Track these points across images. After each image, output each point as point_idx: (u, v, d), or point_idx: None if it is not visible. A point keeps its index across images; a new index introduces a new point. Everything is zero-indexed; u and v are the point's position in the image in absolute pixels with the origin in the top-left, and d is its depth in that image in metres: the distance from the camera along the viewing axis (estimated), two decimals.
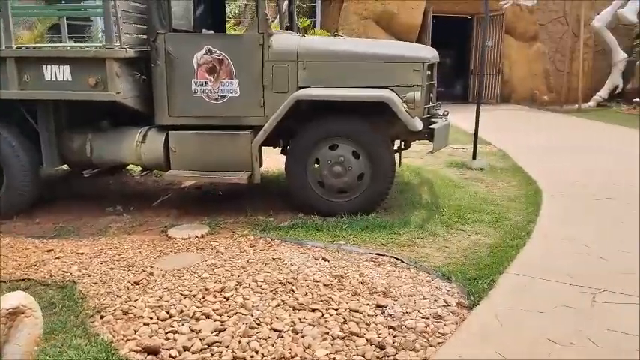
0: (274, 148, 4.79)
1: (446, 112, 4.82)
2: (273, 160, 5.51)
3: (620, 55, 13.56)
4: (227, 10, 10.46)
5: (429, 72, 4.48)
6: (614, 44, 13.57)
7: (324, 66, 4.28)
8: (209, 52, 4.23)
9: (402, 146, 4.89)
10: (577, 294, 2.93)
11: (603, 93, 13.85)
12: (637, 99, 13.07)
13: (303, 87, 4.23)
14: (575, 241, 3.79)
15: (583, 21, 13.28)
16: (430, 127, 4.40)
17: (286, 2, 5.51)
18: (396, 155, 4.60)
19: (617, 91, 13.89)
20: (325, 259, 3.46)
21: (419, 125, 4.16)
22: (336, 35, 4.89)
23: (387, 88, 4.20)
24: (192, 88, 4.29)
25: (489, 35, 14.00)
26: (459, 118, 11.71)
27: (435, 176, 5.96)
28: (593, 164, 6.49)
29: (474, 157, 6.67)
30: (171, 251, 3.72)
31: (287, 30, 5.39)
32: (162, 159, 4.38)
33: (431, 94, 4.68)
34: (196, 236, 3.95)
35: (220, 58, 4.24)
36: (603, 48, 14.17)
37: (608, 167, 6.30)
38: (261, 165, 4.44)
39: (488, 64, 14.22)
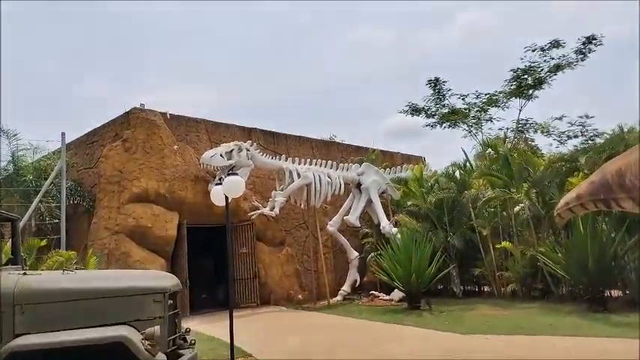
0: None
1: (192, 341, 4.66)
2: None
3: (354, 254, 15.81)
4: None
5: (171, 301, 4.38)
6: (347, 244, 15.87)
7: (50, 307, 3.83)
8: None
9: None
10: None
11: (346, 287, 15.60)
12: (373, 291, 15.05)
13: (21, 334, 3.64)
14: None
15: (319, 226, 15.39)
16: None
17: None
18: None
19: (356, 285, 15.80)
20: None
21: None
22: (65, 270, 4.49)
23: (125, 324, 3.91)
24: None
25: (243, 243, 14.99)
26: (219, 326, 11.61)
27: None
28: None
29: None
30: None
31: (9, 264, 4.79)
32: None
33: (176, 323, 4.51)
34: None
35: None
36: (340, 248, 16.41)
37: None
38: None
39: (244, 269, 14.94)
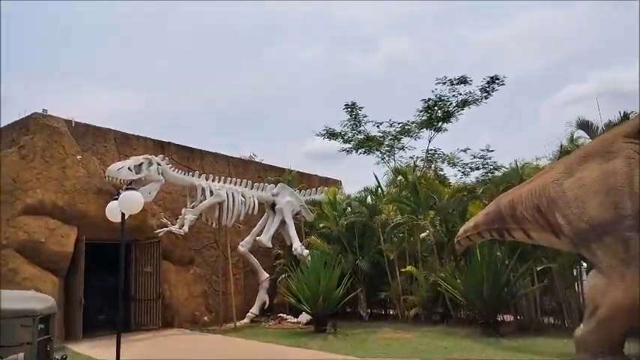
0: None
1: None
2: None
3: (264, 275, 15.62)
4: None
5: (42, 325, 4.04)
6: (258, 265, 15.66)
7: None
8: None
9: None
10: None
11: (255, 309, 15.34)
12: (281, 314, 14.93)
13: None
14: None
15: (229, 246, 15.09)
16: None
17: None
18: None
19: (265, 307, 15.58)
20: None
21: None
22: None
23: None
24: None
25: (148, 261, 14.34)
26: (113, 350, 10.95)
27: None
28: None
29: None
30: None
31: None
32: None
33: (47, 350, 4.16)
34: None
35: None
36: (251, 269, 16.15)
37: None
38: None
39: (148, 289, 14.26)
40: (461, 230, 10.83)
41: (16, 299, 4.33)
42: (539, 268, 11.70)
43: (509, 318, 13.01)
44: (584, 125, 10.59)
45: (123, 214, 6.28)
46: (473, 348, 9.80)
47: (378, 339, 11.43)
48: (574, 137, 11.41)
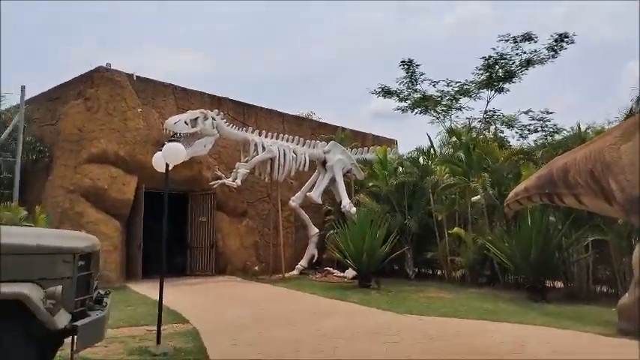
0: None
1: (105, 303, 4.73)
2: None
3: (314, 230, 15.97)
4: None
5: (83, 262, 4.42)
6: (308, 220, 16.01)
7: None
8: None
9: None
10: None
11: (304, 262, 15.81)
12: (328, 268, 15.30)
13: None
14: None
15: (281, 200, 15.49)
16: (75, 323, 4.18)
17: None
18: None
19: (314, 260, 16.01)
20: None
21: (59, 323, 3.94)
22: None
23: (30, 281, 3.95)
24: None
25: (202, 212, 15.03)
26: (169, 292, 11.71)
27: None
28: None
29: (158, 342, 6.55)
30: None
31: None
32: None
33: (89, 285, 4.57)
34: None
35: None
36: (302, 224, 16.55)
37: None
38: None
39: (203, 238, 15.02)
40: (511, 193, 10.54)
41: (61, 237, 4.74)
42: (591, 239, 11.17)
43: (559, 285, 12.66)
44: None
45: (167, 165, 6.60)
46: (515, 312, 9.66)
47: (419, 297, 11.50)
48: None
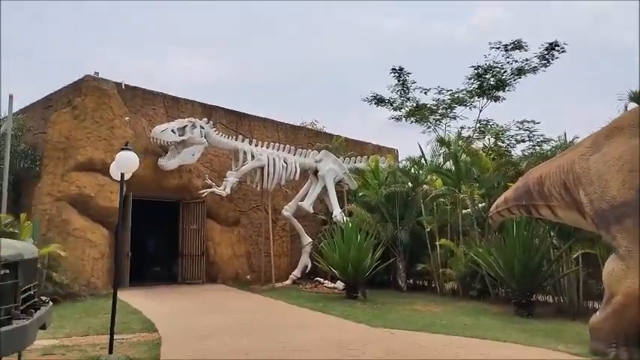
0: None
1: (31, 311, 4.69)
2: None
3: (307, 240, 15.86)
4: None
5: (7, 271, 4.40)
6: (301, 229, 15.92)
7: None
8: None
9: None
10: None
11: (297, 272, 15.71)
12: (318, 278, 15.16)
13: None
14: None
15: (275, 209, 15.43)
16: None
17: None
18: None
19: (307, 270, 15.89)
20: None
21: None
22: None
23: None
24: None
25: (193, 220, 15.05)
26: (153, 300, 11.73)
27: None
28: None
29: (110, 351, 6.50)
30: None
31: None
32: None
33: (15, 294, 4.54)
34: None
35: None
36: (296, 233, 16.45)
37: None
38: None
39: (193, 247, 15.02)
40: (493, 205, 10.31)
41: None
42: (581, 252, 10.82)
43: (550, 299, 12.30)
44: (637, 97, 9.49)
45: (122, 175, 6.58)
46: (494, 327, 9.40)
47: (404, 310, 11.28)
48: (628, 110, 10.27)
